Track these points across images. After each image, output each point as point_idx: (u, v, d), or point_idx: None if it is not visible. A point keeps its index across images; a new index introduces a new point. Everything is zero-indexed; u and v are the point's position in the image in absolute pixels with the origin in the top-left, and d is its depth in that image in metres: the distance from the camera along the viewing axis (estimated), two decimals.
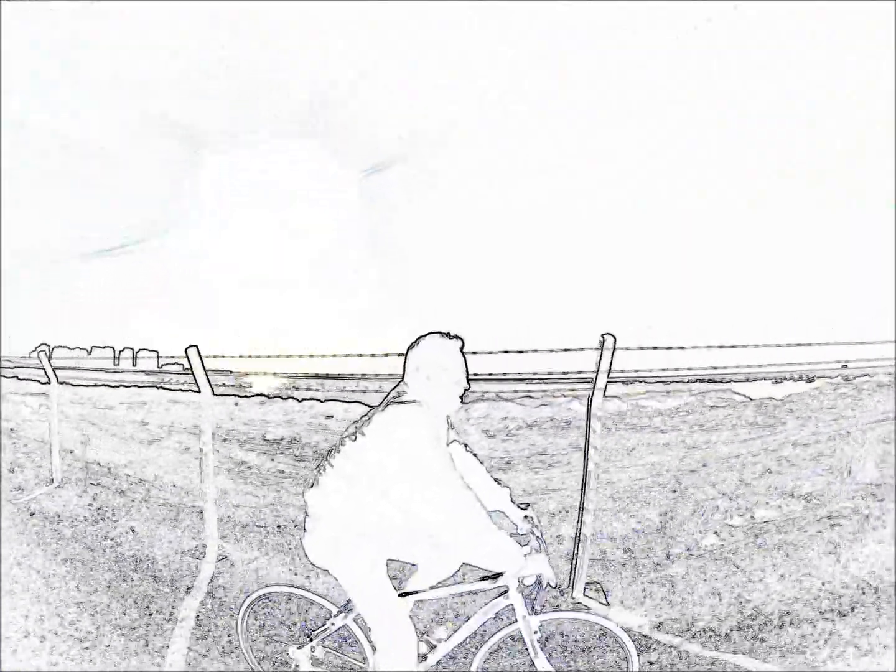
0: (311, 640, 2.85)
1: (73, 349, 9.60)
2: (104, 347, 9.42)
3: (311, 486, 2.66)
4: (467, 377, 2.61)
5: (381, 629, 2.60)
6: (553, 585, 2.49)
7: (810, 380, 8.19)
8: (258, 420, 7.45)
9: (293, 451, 6.78)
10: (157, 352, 9.52)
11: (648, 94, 9.55)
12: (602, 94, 9.61)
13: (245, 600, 3.00)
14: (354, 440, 2.54)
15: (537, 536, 2.72)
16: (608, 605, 3.95)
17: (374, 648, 2.68)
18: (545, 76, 9.65)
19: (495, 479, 2.84)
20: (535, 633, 2.56)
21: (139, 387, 7.76)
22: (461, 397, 2.61)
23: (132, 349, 9.46)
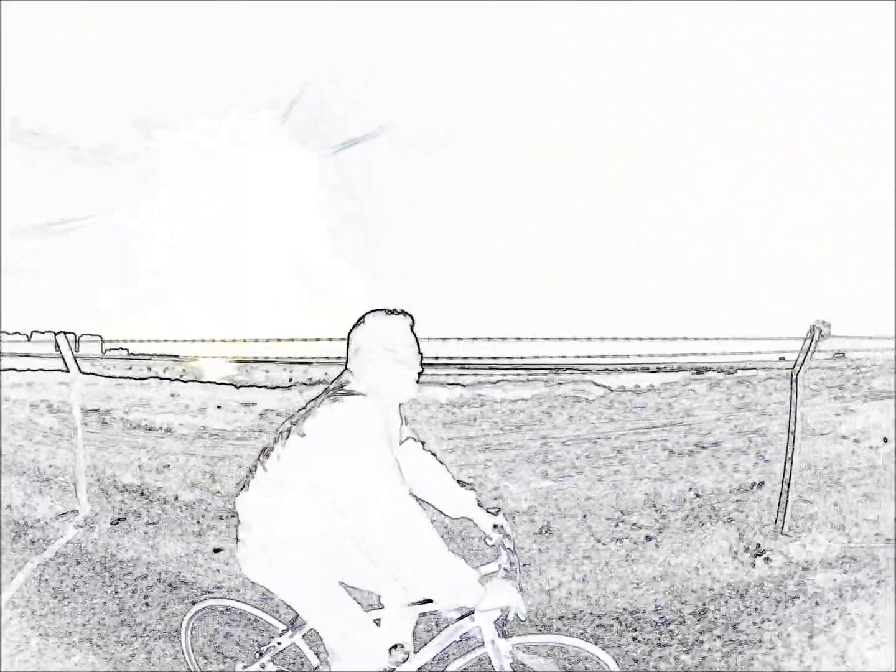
0: (261, 655, 2.55)
1: (12, 334, 9.13)
2: (44, 332, 8.94)
3: (242, 490, 2.30)
4: (421, 360, 2.26)
5: (344, 648, 2.26)
6: (521, 618, 2.10)
7: (698, 371, 8.30)
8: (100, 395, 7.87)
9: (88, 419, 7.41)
10: (100, 336, 9.07)
11: (647, 93, 9.46)
12: (596, 88, 9.49)
13: (187, 613, 2.71)
14: (288, 438, 2.18)
15: (509, 549, 2.36)
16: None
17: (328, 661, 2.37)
18: (533, 61, 9.48)
19: (460, 482, 2.47)
20: (506, 657, 2.22)
21: (45, 371, 7.60)
22: (415, 383, 2.23)
23: (74, 334, 9.00)
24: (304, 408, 2.26)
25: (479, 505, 2.47)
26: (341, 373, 2.27)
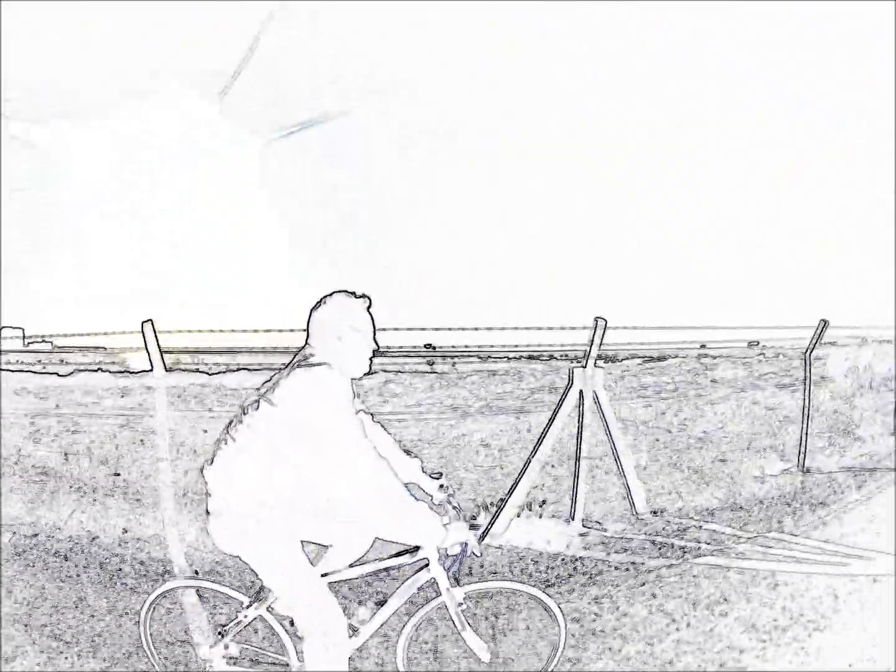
0: (223, 636, 2.61)
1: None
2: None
3: (210, 463, 2.44)
4: (375, 338, 2.54)
5: (305, 614, 2.37)
6: (477, 554, 2.38)
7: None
8: None
9: None
10: (22, 329, 8.81)
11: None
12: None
13: (146, 599, 2.79)
14: (258, 409, 2.36)
15: (454, 506, 2.60)
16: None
17: (298, 637, 2.46)
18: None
19: (405, 451, 2.79)
20: (460, 605, 2.52)
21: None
22: (370, 360, 2.50)
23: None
24: (269, 380, 2.47)
25: (423, 470, 2.79)
26: (301, 348, 2.52)
